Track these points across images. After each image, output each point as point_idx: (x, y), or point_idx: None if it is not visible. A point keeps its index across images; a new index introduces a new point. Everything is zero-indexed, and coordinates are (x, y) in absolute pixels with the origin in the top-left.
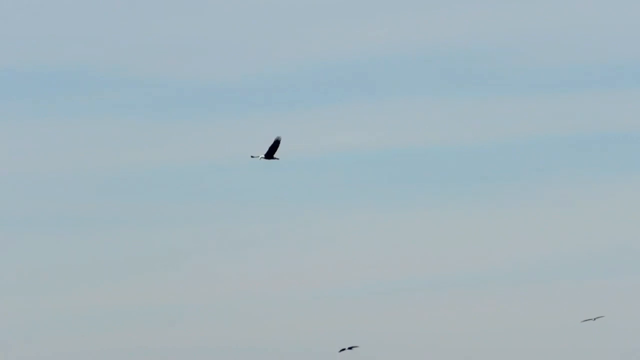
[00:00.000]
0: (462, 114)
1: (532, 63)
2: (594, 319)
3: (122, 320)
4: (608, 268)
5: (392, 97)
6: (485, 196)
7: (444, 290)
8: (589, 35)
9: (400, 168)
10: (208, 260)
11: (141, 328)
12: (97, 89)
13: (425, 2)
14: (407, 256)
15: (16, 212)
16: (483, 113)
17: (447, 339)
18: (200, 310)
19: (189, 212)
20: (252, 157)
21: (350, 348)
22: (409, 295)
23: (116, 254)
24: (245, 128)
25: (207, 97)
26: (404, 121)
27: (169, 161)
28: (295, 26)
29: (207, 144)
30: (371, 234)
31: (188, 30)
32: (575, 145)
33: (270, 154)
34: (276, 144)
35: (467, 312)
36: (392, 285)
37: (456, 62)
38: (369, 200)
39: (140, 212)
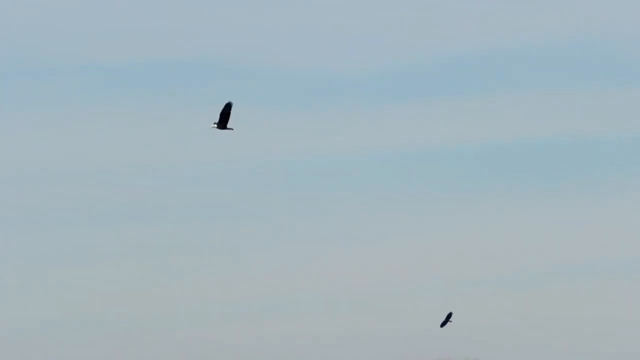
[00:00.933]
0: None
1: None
2: None
3: (246, 311)
4: None
5: (503, 91)
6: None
7: (572, 281)
8: None
9: (520, 161)
10: (331, 251)
11: (264, 319)
12: (233, 78)
13: None
14: (521, 248)
15: (152, 200)
16: (608, 105)
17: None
18: (313, 301)
19: (316, 203)
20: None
21: (448, 319)
22: (521, 287)
23: (245, 245)
24: (370, 120)
25: (341, 88)
26: (518, 115)
27: (303, 151)
28: (415, 19)
29: (339, 136)
30: (484, 227)
31: (323, 21)
32: None
33: (223, 123)
34: (227, 109)
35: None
36: (511, 275)
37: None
38: (482, 194)
39: (268, 202)
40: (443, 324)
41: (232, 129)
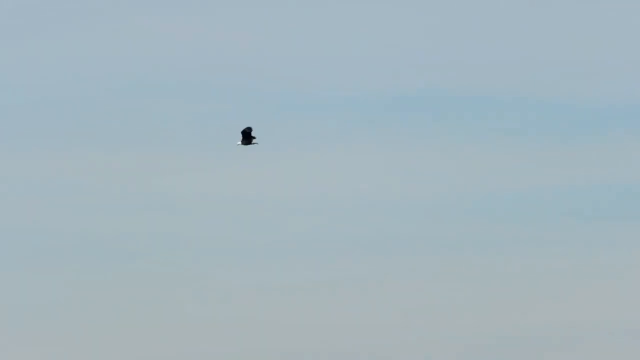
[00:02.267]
0: None
1: None
2: None
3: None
4: None
5: None
6: None
7: None
8: None
9: None
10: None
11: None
12: (483, 111)
13: None
14: None
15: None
16: None
17: None
18: None
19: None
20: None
21: None
22: None
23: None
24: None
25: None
26: None
27: (541, 185)
28: None
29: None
30: None
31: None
32: None
33: (247, 139)
34: (246, 130)
35: None
36: None
37: None
38: None
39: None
40: None
41: (257, 143)
